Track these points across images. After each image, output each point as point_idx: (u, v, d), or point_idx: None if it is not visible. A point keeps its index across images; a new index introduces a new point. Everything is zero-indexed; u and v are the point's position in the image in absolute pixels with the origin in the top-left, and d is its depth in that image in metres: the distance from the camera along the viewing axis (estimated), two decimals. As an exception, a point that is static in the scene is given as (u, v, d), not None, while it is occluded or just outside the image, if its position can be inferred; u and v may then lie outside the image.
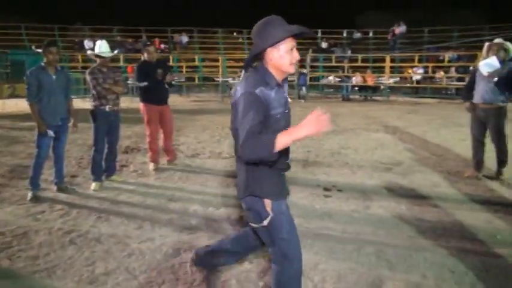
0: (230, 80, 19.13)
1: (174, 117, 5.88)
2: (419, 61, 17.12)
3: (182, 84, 18.22)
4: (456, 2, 27.50)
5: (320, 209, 4.18)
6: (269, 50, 1.94)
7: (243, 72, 1.98)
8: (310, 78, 16.91)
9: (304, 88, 16.10)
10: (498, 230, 3.63)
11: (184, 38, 22.13)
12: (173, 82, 5.78)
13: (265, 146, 1.79)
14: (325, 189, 4.79)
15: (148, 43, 5.93)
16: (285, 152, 2.09)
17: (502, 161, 5.06)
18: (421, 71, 16.69)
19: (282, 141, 1.80)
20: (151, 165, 5.61)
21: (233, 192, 4.67)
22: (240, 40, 24.34)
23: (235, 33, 25.75)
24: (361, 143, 7.37)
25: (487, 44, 5.12)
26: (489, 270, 2.93)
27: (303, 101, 15.58)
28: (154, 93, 5.44)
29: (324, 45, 21.77)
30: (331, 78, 17.62)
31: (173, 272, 2.89)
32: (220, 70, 18.25)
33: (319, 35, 22.36)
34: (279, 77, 2.01)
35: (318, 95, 17.21)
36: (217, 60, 18.84)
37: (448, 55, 17.01)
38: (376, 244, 3.36)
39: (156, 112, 5.50)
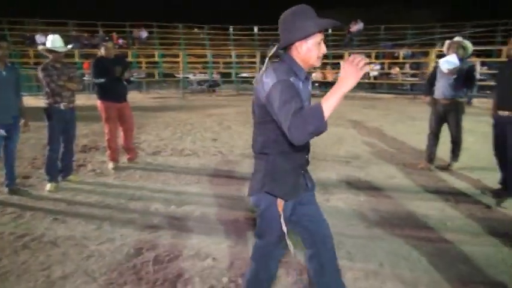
0: (191, 76, 18.93)
1: (134, 115, 5.74)
2: (376, 58, 17.67)
3: (142, 80, 17.80)
4: (410, 1, 28.56)
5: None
6: (298, 42, 1.87)
7: (266, 62, 1.88)
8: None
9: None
10: (449, 217, 3.84)
11: (144, 33, 21.58)
12: (132, 79, 5.64)
13: (315, 116, 1.63)
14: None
15: (107, 38, 5.73)
16: (306, 146, 2.04)
17: (456, 154, 5.33)
18: (377, 67, 17.22)
19: (328, 104, 1.66)
20: (110, 164, 5.46)
21: (195, 189, 4.65)
22: (202, 36, 24.10)
23: (196, 29, 25.45)
24: (321, 138, 7.49)
25: (447, 42, 5.38)
26: (441, 256, 3.10)
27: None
28: (112, 90, 5.29)
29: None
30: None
31: (135, 272, 2.84)
32: (181, 66, 17.99)
33: (256, 31, 22.55)
34: (304, 70, 1.94)
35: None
36: (177, 56, 18.55)
37: (402, 52, 17.66)
38: (335, 236, 3.41)
39: (114, 110, 5.35)
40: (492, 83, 10.97)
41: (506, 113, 4.05)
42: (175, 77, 19.58)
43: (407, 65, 17.04)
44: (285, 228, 1.98)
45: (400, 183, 4.89)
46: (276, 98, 1.74)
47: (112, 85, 5.25)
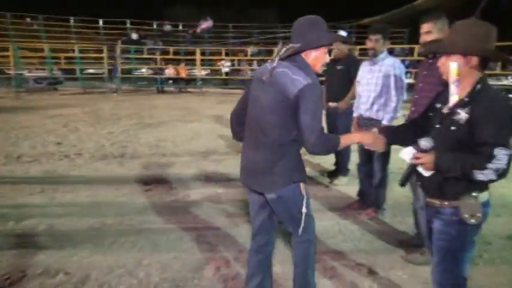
0: (26, 73, 16.61)
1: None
2: (227, 55, 18.37)
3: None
4: (256, 1, 30.38)
5: (141, 203, 4.11)
6: (309, 49, 2.07)
7: (276, 61, 2.07)
8: (122, 70, 16.17)
9: (116, 81, 15.29)
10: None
11: (-42, 22, 18.01)
12: None
13: (334, 144, 2.03)
14: (145, 183, 4.72)
15: None
16: None
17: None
18: (228, 64, 17.96)
19: (342, 142, 2.05)
20: None
21: (38, 200, 4.14)
22: (36, 27, 21.28)
23: (28, 19, 22.35)
24: (178, 135, 7.50)
25: (281, 42, 5.89)
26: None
27: (115, 94, 14.83)
28: None
29: (134, 36, 21.04)
30: (144, 70, 17.24)
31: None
32: (12, 61, 15.60)
33: (128, 25, 21.50)
34: None
35: (131, 87, 16.60)
36: (7, 50, 16.01)
37: (250, 50, 18.80)
38: (197, 229, 3.52)
39: None
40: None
41: (334, 104, 4.69)
42: (5, 73, 16.88)
43: (255, 62, 18.16)
44: (304, 210, 2.18)
45: (254, 173, 5.22)
46: (309, 105, 1.96)
47: None
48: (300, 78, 1.98)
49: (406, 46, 16.43)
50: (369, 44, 3.60)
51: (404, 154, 1.92)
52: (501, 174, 1.66)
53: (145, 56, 16.90)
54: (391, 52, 3.57)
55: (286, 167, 2.10)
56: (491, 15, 12.48)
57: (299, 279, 2.35)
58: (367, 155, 3.84)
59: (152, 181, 4.80)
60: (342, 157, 4.87)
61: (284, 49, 2.07)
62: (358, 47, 13.28)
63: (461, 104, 1.80)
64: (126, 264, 2.93)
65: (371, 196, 3.92)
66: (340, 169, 4.91)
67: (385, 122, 3.55)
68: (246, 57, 18.15)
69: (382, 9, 18.08)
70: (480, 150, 1.68)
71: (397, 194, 4.17)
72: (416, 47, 11.27)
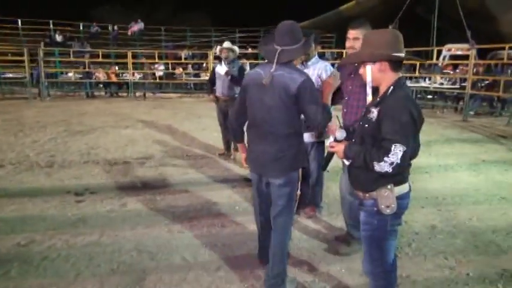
0: None
1: None
2: (160, 58, 17.93)
3: None
4: (189, 4, 29.98)
5: (73, 216, 3.87)
6: None
7: (275, 65, 2.40)
8: (46, 75, 15.11)
9: (40, 86, 14.24)
10: (237, 202, 4.29)
11: None
12: None
13: (330, 118, 2.50)
14: (77, 194, 4.46)
15: None
16: None
17: (234, 147, 6.02)
18: (162, 67, 17.52)
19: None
20: None
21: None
22: None
23: None
24: (111, 141, 7.18)
25: (218, 47, 6.02)
26: (234, 237, 3.44)
27: (38, 99, 13.83)
28: None
29: (58, 38, 19.78)
30: (71, 74, 16.22)
31: None
32: None
33: (51, 26, 20.17)
34: None
35: (59, 93, 15.56)
36: None
37: (184, 53, 18.51)
38: (136, 239, 3.40)
39: None
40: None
41: None
42: None
43: (189, 66, 17.93)
44: (299, 192, 2.63)
45: (193, 177, 5.16)
46: (310, 95, 2.39)
47: None
48: (296, 76, 2.39)
49: (335, 50, 17.23)
50: None
51: (327, 142, 2.24)
52: (395, 168, 1.85)
53: (71, 59, 15.91)
54: (321, 56, 3.74)
55: (292, 156, 2.51)
56: (408, 23, 13.55)
57: (279, 246, 2.61)
58: None
59: (85, 191, 4.55)
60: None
61: (277, 53, 2.40)
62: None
63: (374, 103, 2.01)
64: (58, 282, 2.74)
65: (308, 195, 4.05)
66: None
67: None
68: (180, 61, 17.85)
69: (310, 14, 18.84)
70: (381, 145, 1.87)
71: (333, 192, 4.36)
72: (345, 52, 11.91)
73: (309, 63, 3.71)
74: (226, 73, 5.70)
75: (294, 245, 3.32)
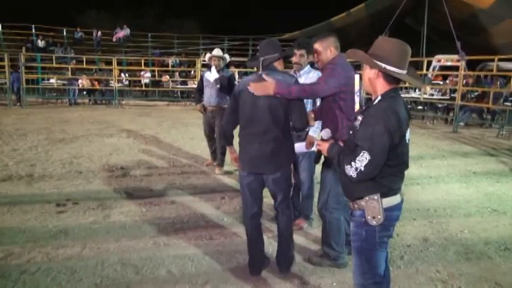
0: None
1: None
2: (146, 65, 17.89)
3: None
4: (177, 11, 30.12)
5: (54, 227, 3.80)
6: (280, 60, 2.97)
7: (261, 70, 2.86)
8: (28, 80, 14.93)
9: (19, 92, 14.05)
10: (225, 213, 4.27)
11: None
12: None
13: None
14: (58, 204, 4.38)
15: None
16: None
17: (219, 158, 5.90)
18: (148, 74, 17.47)
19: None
20: None
21: None
22: None
23: None
24: (95, 150, 7.10)
25: (208, 54, 5.94)
26: (221, 251, 3.41)
27: (19, 105, 13.65)
28: None
29: (41, 43, 19.60)
30: (53, 80, 16.04)
31: None
32: None
33: (34, 31, 19.98)
34: None
35: (40, 99, 15.36)
36: None
37: (171, 60, 18.51)
38: (120, 252, 3.34)
39: None
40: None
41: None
42: None
43: (176, 73, 17.92)
44: (293, 181, 3.18)
45: (180, 188, 5.12)
46: (300, 102, 2.89)
47: None
48: (287, 79, 2.84)
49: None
50: (294, 59, 3.75)
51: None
52: (359, 174, 1.90)
53: (54, 65, 15.75)
54: (312, 65, 3.79)
55: (287, 152, 2.90)
56: (398, 34, 13.82)
57: (285, 242, 3.04)
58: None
59: (66, 201, 4.47)
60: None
61: (260, 61, 2.87)
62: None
63: (360, 111, 2.10)
64: None
65: (298, 207, 4.05)
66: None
67: (311, 133, 3.71)
68: (166, 68, 17.83)
69: (299, 24, 19.09)
70: (354, 149, 1.94)
71: (324, 203, 4.36)
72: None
73: (301, 72, 3.75)
74: (216, 81, 5.68)
75: (284, 257, 3.30)
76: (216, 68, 5.78)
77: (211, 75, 5.76)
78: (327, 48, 3.04)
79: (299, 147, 3.57)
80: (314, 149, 3.21)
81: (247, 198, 2.98)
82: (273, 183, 2.91)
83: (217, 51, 5.88)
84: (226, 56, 5.99)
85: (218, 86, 5.68)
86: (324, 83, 2.89)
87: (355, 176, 1.90)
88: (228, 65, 6.32)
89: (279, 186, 2.93)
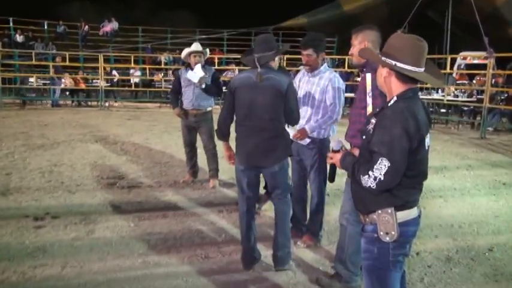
0: None
1: None
2: (136, 62, 17.97)
3: None
4: (170, 1, 30.20)
5: (31, 244, 3.83)
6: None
7: (259, 68, 3.21)
8: (4, 80, 15.06)
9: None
10: (222, 229, 4.28)
11: None
12: None
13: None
14: (36, 218, 4.41)
15: None
16: None
17: (213, 168, 5.75)
18: (138, 73, 17.55)
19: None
20: None
21: None
22: None
23: None
24: (77, 157, 7.13)
25: (185, 51, 5.62)
26: (218, 270, 3.42)
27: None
28: None
29: (19, 38, 19.77)
30: (32, 80, 16.17)
31: None
32: None
33: (11, 24, 20.17)
34: None
35: (17, 101, 15.47)
36: None
37: (164, 57, 18.50)
38: (105, 272, 3.36)
39: None
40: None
41: None
42: None
43: (170, 72, 17.95)
44: (290, 174, 3.59)
45: (173, 200, 5.14)
46: (294, 96, 3.36)
47: None
48: (284, 78, 3.25)
49: (337, 57, 17.44)
50: (303, 60, 3.78)
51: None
52: (379, 184, 1.90)
53: (34, 62, 15.88)
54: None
55: (284, 146, 3.33)
56: (419, 28, 13.85)
57: (282, 231, 3.39)
58: (299, 175, 3.98)
59: (45, 215, 4.50)
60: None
61: (256, 59, 3.21)
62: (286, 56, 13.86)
63: (374, 114, 2.09)
64: None
65: (305, 222, 4.06)
66: (270, 194, 4.96)
67: (306, 128, 3.73)
68: (159, 66, 17.90)
69: (307, 10, 19.11)
70: (371, 158, 1.94)
71: (334, 218, 4.37)
72: (347, 58, 12.09)
73: (315, 72, 3.75)
74: (200, 81, 5.41)
75: (289, 278, 3.32)
76: (196, 65, 5.48)
77: (195, 74, 5.44)
78: (361, 43, 2.98)
79: (308, 157, 3.84)
80: (304, 142, 3.72)
81: (244, 191, 3.39)
82: (271, 176, 3.38)
83: (196, 46, 5.64)
84: (207, 51, 5.82)
85: (203, 86, 5.46)
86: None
87: (375, 186, 1.90)
88: (227, 63, 6.25)
89: (277, 180, 3.35)
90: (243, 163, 3.34)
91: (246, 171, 3.34)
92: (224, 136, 3.47)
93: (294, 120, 3.37)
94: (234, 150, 3.44)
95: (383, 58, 2.02)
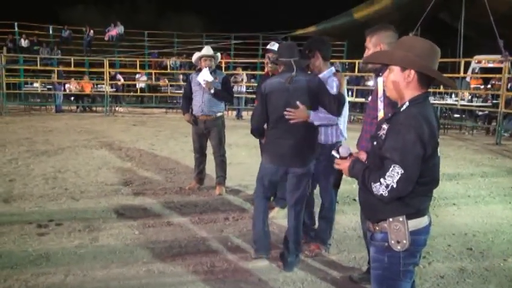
0: None
1: None
2: (142, 67, 18.10)
3: None
4: (176, 5, 30.43)
5: (34, 251, 3.85)
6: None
7: (295, 71, 3.47)
8: (9, 85, 15.24)
9: (3, 98, 14.33)
10: (229, 237, 4.28)
11: None
12: None
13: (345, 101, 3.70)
14: (40, 225, 4.44)
15: None
16: None
17: (220, 175, 5.75)
18: (144, 78, 17.68)
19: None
20: None
21: None
22: None
23: None
24: (82, 164, 7.19)
25: (196, 55, 5.68)
26: (225, 280, 3.42)
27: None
28: None
29: (24, 43, 20.03)
30: (37, 85, 16.34)
31: None
32: None
33: (16, 29, 20.44)
34: None
35: (22, 106, 15.65)
36: None
37: (170, 62, 18.61)
38: (108, 280, 3.37)
39: None
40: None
41: None
42: None
43: (177, 77, 18.04)
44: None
45: (178, 207, 5.14)
46: (326, 90, 3.55)
47: None
48: (311, 78, 3.57)
49: (346, 61, 17.44)
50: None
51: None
52: (391, 192, 1.87)
53: (39, 67, 16.06)
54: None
55: (312, 148, 3.60)
56: (431, 30, 13.81)
57: (295, 237, 3.60)
58: None
59: (49, 222, 4.53)
60: (278, 186, 4.95)
61: (292, 62, 3.51)
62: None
63: (386, 119, 2.06)
64: None
65: (313, 229, 4.04)
66: (276, 200, 4.96)
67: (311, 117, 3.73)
68: (165, 71, 17.99)
69: (313, 20, 19.20)
70: (382, 164, 1.92)
71: (343, 226, 4.36)
72: (358, 62, 12.08)
73: (320, 76, 3.76)
74: (208, 85, 5.41)
75: (296, 289, 3.30)
76: (210, 67, 5.51)
77: (204, 78, 5.46)
78: (376, 46, 2.92)
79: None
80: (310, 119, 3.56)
81: (266, 185, 3.70)
82: (296, 178, 3.57)
83: (207, 50, 5.69)
84: (218, 55, 5.85)
85: (212, 91, 5.46)
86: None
87: (387, 194, 1.88)
88: (234, 67, 6.28)
89: (300, 182, 3.57)
90: (275, 163, 3.60)
91: (274, 170, 3.61)
92: (261, 135, 3.89)
93: (334, 110, 3.50)
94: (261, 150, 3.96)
95: (413, 59, 1.95)
